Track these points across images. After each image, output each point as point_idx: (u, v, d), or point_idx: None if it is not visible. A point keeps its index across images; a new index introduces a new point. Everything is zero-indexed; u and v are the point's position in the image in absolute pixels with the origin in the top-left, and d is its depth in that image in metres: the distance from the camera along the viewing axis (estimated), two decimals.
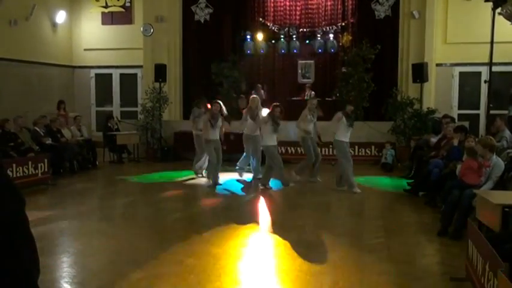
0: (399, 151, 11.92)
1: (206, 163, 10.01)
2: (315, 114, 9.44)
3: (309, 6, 14.74)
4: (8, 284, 1.33)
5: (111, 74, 15.14)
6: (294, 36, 14.48)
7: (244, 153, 9.92)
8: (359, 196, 8.45)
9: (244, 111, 9.90)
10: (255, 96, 10.19)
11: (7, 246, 1.34)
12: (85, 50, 15.09)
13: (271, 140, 8.88)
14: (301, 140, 9.54)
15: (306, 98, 13.62)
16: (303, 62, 14.91)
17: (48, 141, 10.58)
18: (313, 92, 13.91)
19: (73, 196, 8.65)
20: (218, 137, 9.21)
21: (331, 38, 14.30)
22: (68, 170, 10.82)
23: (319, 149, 9.75)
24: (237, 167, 10.02)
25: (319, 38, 14.41)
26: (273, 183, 9.09)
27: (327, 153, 11.24)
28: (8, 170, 8.56)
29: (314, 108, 9.44)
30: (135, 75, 14.90)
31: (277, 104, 9.04)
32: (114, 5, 14.89)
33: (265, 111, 9.53)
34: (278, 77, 15.11)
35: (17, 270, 1.34)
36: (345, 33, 14.35)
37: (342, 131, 8.68)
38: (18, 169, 8.86)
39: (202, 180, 9.84)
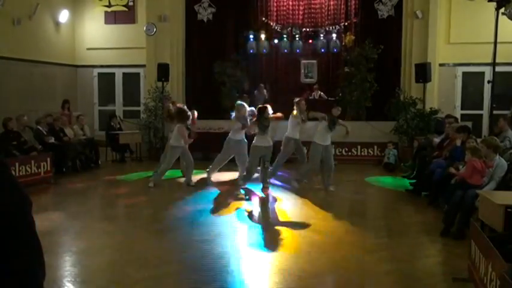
0: (402, 151, 11.91)
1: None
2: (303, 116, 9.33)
3: (312, 5, 14.71)
4: (13, 284, 1.32)
5: (114, 73, 15.14)
6: (297, 35, 14.46)
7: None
8: (361, 196, 8.44)
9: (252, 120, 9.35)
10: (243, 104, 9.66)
11: (13, 246, 1.34)
12: (88, 49, 15.10)
13: (258, 141, 8.79)
14: (286, 140, 9.35)
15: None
16: (306, 61, 14.88)
17: (51, 140, 10.59)
18: (321, 93, 13.87)
19: (75, 195, 8.65)
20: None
21: (334, 38, 14.26)
22: (71, 169, 10.82)
23: (305, 150, 9.67)
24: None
25: (322, 38, 14.39)
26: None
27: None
28: (11, 169, 8.58)
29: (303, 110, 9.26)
30: (138, 74, 14.89)
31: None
32: (117, 4, 14.87)
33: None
34: (281, 76, 15.07)
35: (21, 271, 1.33)
36: (348, 33, 14.32)
37: (321, 134, 8.61)
38: (21, 168, 8.89)
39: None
